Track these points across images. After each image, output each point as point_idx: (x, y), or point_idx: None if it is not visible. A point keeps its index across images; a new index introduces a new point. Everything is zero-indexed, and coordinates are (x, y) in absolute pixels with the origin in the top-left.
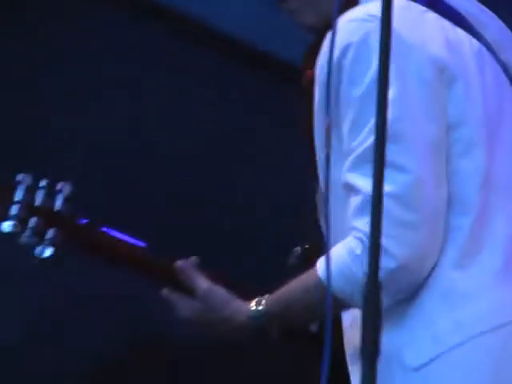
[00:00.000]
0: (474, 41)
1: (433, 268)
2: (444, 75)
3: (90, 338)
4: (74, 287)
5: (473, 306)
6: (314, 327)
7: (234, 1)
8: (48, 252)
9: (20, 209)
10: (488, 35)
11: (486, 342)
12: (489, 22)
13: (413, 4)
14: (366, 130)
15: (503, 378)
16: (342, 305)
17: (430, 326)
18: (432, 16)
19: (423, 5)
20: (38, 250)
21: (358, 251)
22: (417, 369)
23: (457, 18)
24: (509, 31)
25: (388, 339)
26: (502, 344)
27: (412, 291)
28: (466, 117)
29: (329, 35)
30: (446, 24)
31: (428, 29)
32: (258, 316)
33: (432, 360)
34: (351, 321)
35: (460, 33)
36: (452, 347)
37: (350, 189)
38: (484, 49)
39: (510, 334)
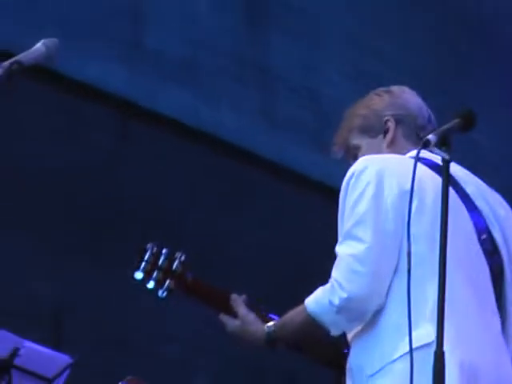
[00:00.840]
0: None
1: (383, 311)
2: (405, 197)
3: None
4: None
5: (403, 336)
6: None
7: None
8: (164, 294)
9: (146, 265)
10: (468, 187)
11: (409, 358)
12: (469, 180)
13: (408, 159)
14: (350, 221)
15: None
16: (318, 326)
17: (380, 347)
18: (420, 166)
19: (422, 162)
20: (159, 292)
21: (328, 287)
22: (372, 375)
23: (439, 171)
24: (484, 186)
25: (356, 356)
26: (420, 358)
27: (364, 320)
28: (416, 222)
29: (350, 169)
30: (428, 171)
31: (408, 172)
32: (268, 332)
33: (380, 369)
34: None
35: (433, 177)
36: (391, 361)
37: (337, 255)
38: (453, 191)
39: (427, 351)
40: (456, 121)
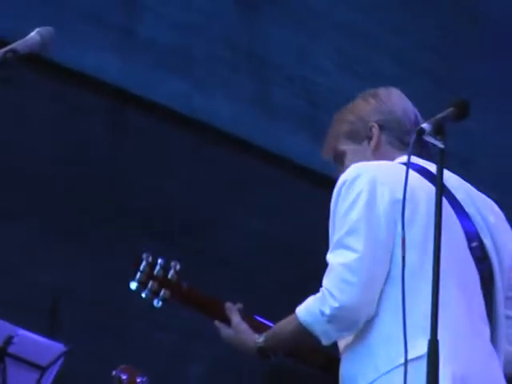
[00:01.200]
0: (434, 191)
1: (375, 321)
2: (397, 205)
3: None
4: None
5: (396, 347)
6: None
7: None
8: (160, 304)
9: (141, 276)
10: (458, 194)
11: (402, 370)
12: (460, 187)
13: (399, 165)
14: (342, 230)
15: None
16: (310, 335)
17: (373, 358)
18: (412, 173)
19: (412, 168)
20: (154, 302)
21: (319, 296)
22: None
23: (431, 177)
24: (475, 192)
25: (349, 366)
26: (413, 370)
27: (355, 330)
28: (407, 230)
29: (341, 176)
30: (419, 179)
31: (400, 179)
32: (259, 342)
33: (374, 381)
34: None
35: (424, 184)
36: (384, 373)
37: (328, 264)
38: (444, 198)
39: (419, 364)
40: (450, 109)
